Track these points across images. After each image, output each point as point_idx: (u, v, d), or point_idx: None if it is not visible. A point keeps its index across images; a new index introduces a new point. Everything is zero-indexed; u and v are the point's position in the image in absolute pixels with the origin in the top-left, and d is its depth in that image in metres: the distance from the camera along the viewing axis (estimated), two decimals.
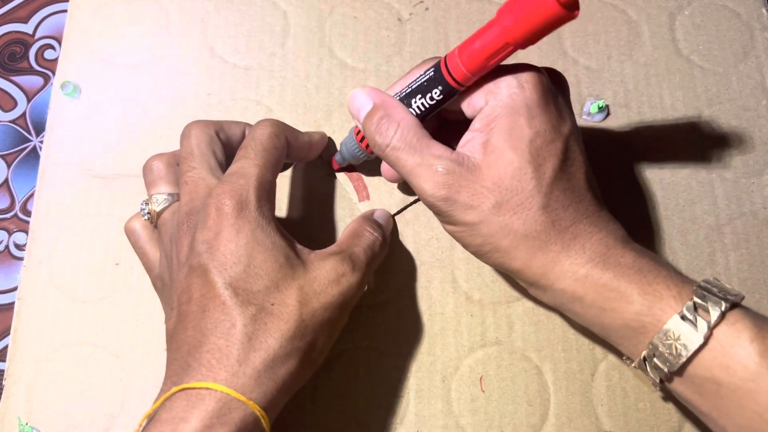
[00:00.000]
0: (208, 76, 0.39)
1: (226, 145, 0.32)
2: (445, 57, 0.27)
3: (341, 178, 0.37)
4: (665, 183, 0.38)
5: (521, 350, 0.35)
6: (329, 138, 0.37)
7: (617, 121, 0.39)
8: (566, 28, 0.40)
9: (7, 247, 0.38)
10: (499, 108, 0.27)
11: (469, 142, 0.28)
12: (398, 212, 0.37)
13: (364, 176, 0.37)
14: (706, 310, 0.24)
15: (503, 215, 0.26)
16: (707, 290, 0.25)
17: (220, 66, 0.39)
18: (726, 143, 0.39)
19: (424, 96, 0.28)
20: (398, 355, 0.34)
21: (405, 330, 0.35)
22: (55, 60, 0.41)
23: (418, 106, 0.29)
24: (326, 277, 0.28)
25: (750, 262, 0.36)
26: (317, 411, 0.33)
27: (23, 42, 0.42)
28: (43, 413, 0.33)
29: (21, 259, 0.38)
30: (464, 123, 0.29)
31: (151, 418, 0.24)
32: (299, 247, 0.29)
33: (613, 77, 0.39)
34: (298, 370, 0.26)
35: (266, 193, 0.28)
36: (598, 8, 0.41)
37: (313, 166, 0.37)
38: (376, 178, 0.37)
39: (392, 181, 0.34)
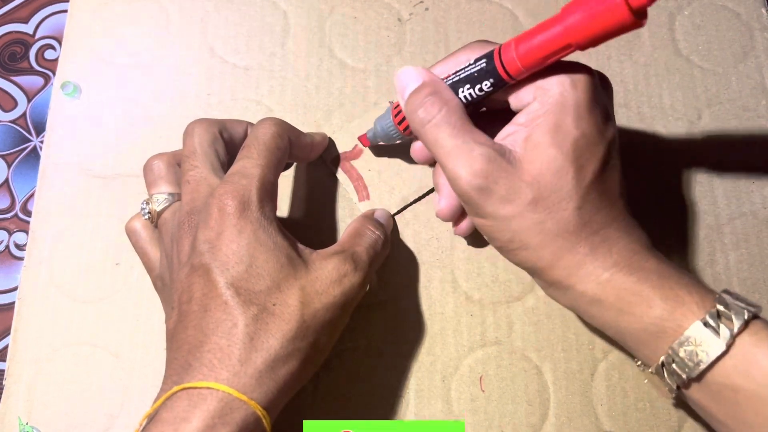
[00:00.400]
0: (208, 76, 0.39)
1: (229, 144, 0.32)
2: (500, 48, 0.27)
3: (341, 178, 0.37)
4: (665, 183, 0.38)
5: (521, 350, 0.35)
6: (329, 138, 0.37)
7: (617, 121, 0.39)
8: None
9: (7, 247, 0.38)
10: (548, 105, 0.26)
11: (510, 135, 0.27)
12: (398, 212, 0.37)
13: (364, 176, 0.37)
14: (729, 318, 0.24)
15: (538, 212, 0.26)
16: (729, 300, 0.25)
17: (220, 66, 0.39)
18: (726, 143, 0.39)
19: (473, 87, 0.28)
20: (398, 355, 0.34)
21: (405, 330, 0.35)
22: (56, 60, 0.41)
23: (465, 96, 0.28)
24: (328, 277, 0.28)
25: (750, 261, 0.36)
26: (317, 411, 0.33)
27: (23, 42, 0.42)
28: (44, 413, 0.33)
29: (21, 259, 0.38)
30: (501, 112, 0.29)
31: (152, 417, 0.24)
32: (301, 247, 0.29)
33: (613, 77, 0.39)
34: (299, 370, 0.26)
35: (268, 193, 0.28)
36: None
37: (314, 166, 0.37)
38: (376, 178, 0.37)
39: (422, 162, 0.33)
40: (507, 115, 0.28)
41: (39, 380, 0.34)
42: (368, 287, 0.35)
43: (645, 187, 0.37)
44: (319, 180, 0.37)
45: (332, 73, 0.39)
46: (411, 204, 0.37)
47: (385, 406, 0.34)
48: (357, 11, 0.41)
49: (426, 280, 0.36)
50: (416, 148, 0.32)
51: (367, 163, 0.37)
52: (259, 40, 0.40)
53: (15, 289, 0.37)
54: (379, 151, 0.37)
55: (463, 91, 0.28)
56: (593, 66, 0.26)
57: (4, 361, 0.35)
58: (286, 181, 0.37)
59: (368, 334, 0.35)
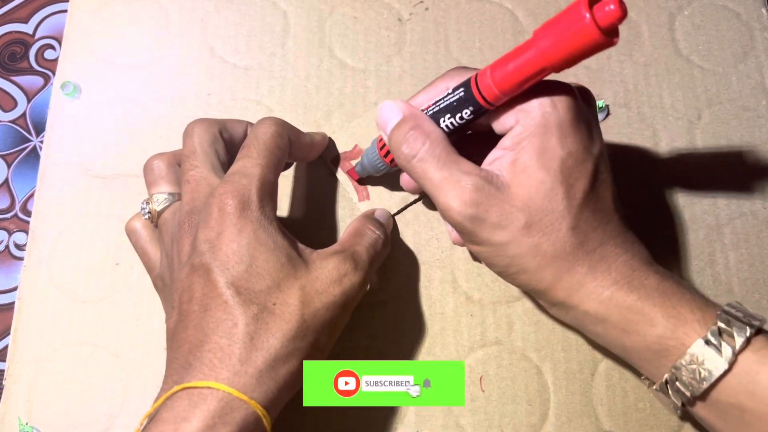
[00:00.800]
0: (208, 76, 0.39)
1: (229, 144, 0.32)
2: (476, 76, 0.27)
3: (341, 177, 0.37)
4: (665, 183, 0.38)
5: (521, 350, 0.35)
6: (329, 138, 0.37)
7: (617, 121, 0.39)
8: None
9: (7, 247, 0.38)
10: (531, 127, 0.26)
11: (497, 159, 0.27)
12: (398, 212, 0.37)
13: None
14: (731, 335, 0.24)
15: (533, 236, 0.26)
16: (731, 315, 0.25)
17: (220, 66, 0.39)
18: (726, 143, 0.39)
19: (453, 116, 0.28)
20: (398, 355, 0.34)
21: (405, 330, 0.35)
22: (55, 60, 0.41)
23: (446, 125, 0.28)
24: (328, 276, 0.28)
25: (750, 262, 0.36)
26: (317, 411, 0.33)
27: (23, 42, 0.42)
28: (44, 413, 0.33)
29: (21, 259, 0.38)
30: (488, 134, 0.28)
31: (152, 417, 0.24)
32: (301, 246, 0.29)
33: (613, 77, 0.39)
34: (299, 370, 0.26)
35: (268, 193, 0.28)
36: None
37: (314, 166, 0.37)
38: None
39: (412, 192, 0.34)
40: (495, 136, 0.28)
41: (39, 380, 0.34)
42: (368, 287, 0.35)
43: (645, 187, 0.37)
44: (319, 180, 0.37)
45: (332, 73, 0.39)
46: (411, 204, 0.37)
47: (386, 406, 0.34)
48: (357, 11, 0.41)
49: (426, 280, 0.36)
50: (405, 179, 0.33)
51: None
52: (259, 40, 0.40)
53: (15, 289, 0.37)
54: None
55: (444, 121, 0.28)
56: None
57: (4, 361, 0.35)
58: (286, 180, 0.37)
59: (368, 334, 0.35)
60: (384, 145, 0.32)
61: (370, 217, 0.34)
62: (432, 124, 0.28)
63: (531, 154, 0.26)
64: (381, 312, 0.35)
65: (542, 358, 0.34)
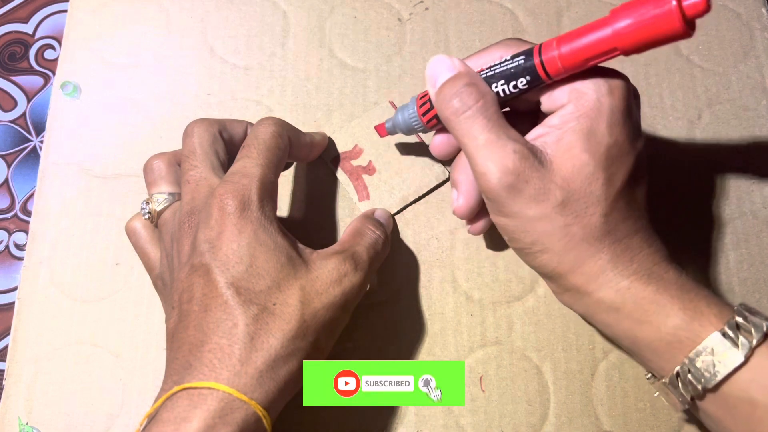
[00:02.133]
0: (208, 76, 0.39)
1: (229, 144, 0.32)
2: (540, 46, 0.26)
3: (341, 177, 0.37)
4: (664, 183, 0.38)
5: (521, 350, 0.35)
6: (329, 138, 0.37)
7: None
8: (566, 28, 0.40)
9: (7, 247, 0.38)
10: (584, 108, 0.26)
11: (541, 136, 0.27)
12: (398, 212, 0.37)
13: (364, 176, 0.37)
14: (748, 331, 0.24)
15: (566, 215, 0.26)
16: (749, 310, 0.25)
17: (220, 66, 0.39)
18: (726, 143, 0.39)
19: (507, 83, 0.27)
20: (398, 354, 0.34)
21: (405, 330, 0.35)
22: (55, 60, 0.41)
23: (498, 92, 0.27)
24: (328, 276, 0.28)
25: (750, 261, 0.36)
26: (317, 411, 0.33)
27: (23, 42, 0.42)
28: (44, 413, 0.33)
29: (21, 259, 0.38)
30: (524, 114, 0.28)
31: (152, 417, 0.24)
32: (301, 246, 0.29)
33: None
34: (299, 370, 0.26)
35: (268, 193, 0.28)
36: (598, 8, 0.41)
37: (314, 166, 0.37)
38: (376, 178, 0.37)
39: (441, 157, 0.32)
40: (531, 117, 0.28)
41: (39, 380, 0.34)
42: (368, 287, 0.35)
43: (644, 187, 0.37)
44: (319, 180, 0.37)
45: (332, 73, 0.39)
46: (411, 204, 0.37)
47: (386, 406, 0.34)
48: (357, 11, 0.41)
49: (426, 280, 0.36)
50: (436, 143, 0.32)
51: (367, 162, 0.37)
52: (259, 40, 0.40)
53: (15, 289, 0.37)
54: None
55: (496, 87, 0.27)
56: None
57: (4, 361, 0.35)
58: (286, 180, 0.37)
59: (369, 334, 0.35)
60: (424, 102, 0.31)
61: (370, 217, 0.34)
62: (486, 86, 0.27)
63: (579, 135, 0.26)
64: (381, 312, 0.35)
65: (542, 358, 0.34)
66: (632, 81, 0.40)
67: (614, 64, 0.39)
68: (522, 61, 0.27)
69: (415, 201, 0.37)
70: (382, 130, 0.34)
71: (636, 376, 0.34)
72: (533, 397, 0.34)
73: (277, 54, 0.40)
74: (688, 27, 0.22)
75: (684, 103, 0.39)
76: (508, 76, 0.27)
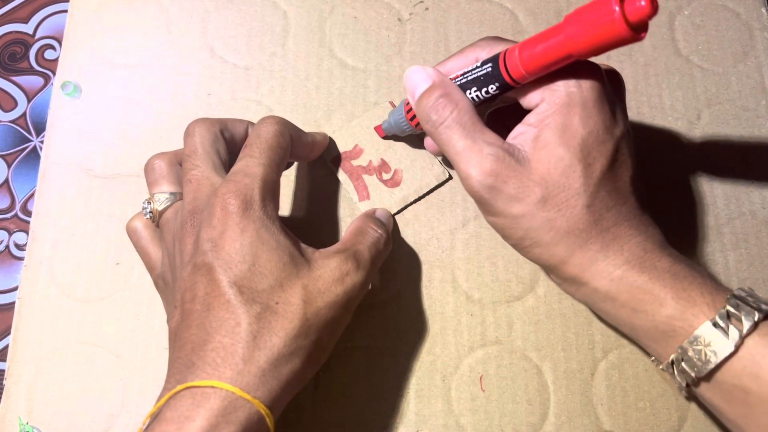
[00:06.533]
0: (208, 76, 0.39)
1: (230, 143, 0.32)
2: (504, 53, 0.27)
3: (341, 178, 0.37)
4: (665, 183, 0.38)
5: (521, 350, 0.35)
6: (330, 138, 0.37)
7: None
8: None
9: (7, 247, 0.38)
10: (555, 105, 0.27)
11: (520, 134, 0.28)
12: (398, 212, 0.37)
13: (364, 176, 0.37)
14: (739, 320, 0.24)
15: (548, 210, 0.27)
16: (741, 299, 0.25)
17: (220, 66, 0.39)
18: (726, 143, 0.39)
19: (480, 89, 0.28)
20: (398, 354, 0.34)
21: (405, 329, 0.35)
22: (55, 60, 0.42)
23: (473, 97, 0.29)
24: (330, 275, 0.28)
25: (749, 261, 0.36)
26: (317, 411, 0.33)
27: (23, 42, 0.42)
28: (44, 413, 0.33)
29: (21, 258, 0.38)
30: (517, 106, 0.29)
31: (155, 416, 0.24)
32: (303, 246, 0.29)
33: None
34: (302, 369, 0.26)
35: (271, 192, 0.28)
36: None
37: (314, 166, 0.37)
38: (376, 178, 0.37)
39: (435, 153, 0.36)
40: (517, 105, 0.29)
41: (39, 380, 0.34)
42: (370, 286, 0.35)
43: (644, 187, 0.37)
44: (320, 180, 0.37)
45: (332, 73, 0.39)
46: (411, 204, 0.37)
47: (386, 406, 0.34)
48: (357, 11, 0.41)
49: (426, 280, 0.36)
50: (429, 142, 0.35)
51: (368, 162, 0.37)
52: (259, 40, 0.40)
53: (15, 289, 0.37)
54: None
55: (470, 93, 0.29)
56: None
57: (5, 360, 0.35)
58: (286, 180, 0.37)
59: (368, 334, 0.35)
60: (410, 109, 0.33)
61: (371, 216, 0.34)
62: (460, 93, 0.29)
63: (553, 130, 0.27)
64: (381, 311, 0.35)
65: (542, 358, 0.34)
66: (632, 81, 0.40)
67: (614, 62, 0.39)
68: (489, 69, 0.28)
69: (415, 201, 0.37)
70: (380, 131, 0.37)
71: (636, 375, 0.34)
72: (533, 397, 0.34)
73: (277, 54, 0.40)
74: (635, 32, 0.23)
75: (683, 103, 0.39)
76: (479, 83, 0.28)
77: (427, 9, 0.41)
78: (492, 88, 0.28)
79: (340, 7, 0.41)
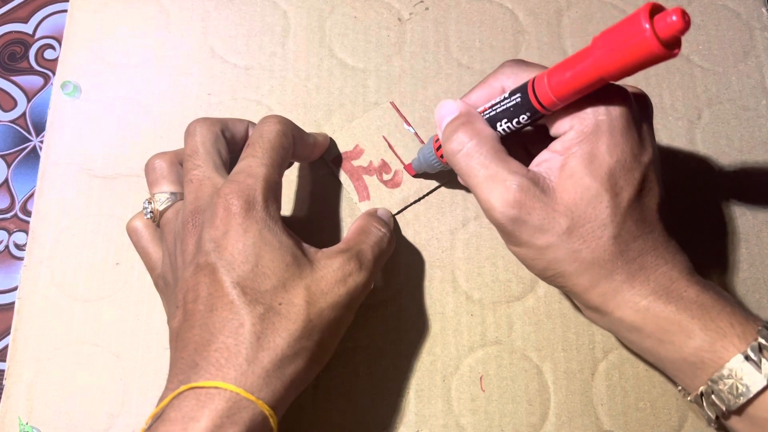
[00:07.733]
0: (208, 76, 0.39)
1: (231, 143, 0.32)
2: (533, 81, 0.26)
3: (342, 178, 0.37)
4: (665, 183, 0.38)
5: (521, 350, 0.35)
6: (330, 138, 0.37)
7: None
8: (566, 28, 0.40)
9: (7, 247, 0.38)
10: (583, 134, 0.26)
11: (545, 162, 0.27)
12: (399, 212, 0.37)
13: (365, 176, 0.37)
14: None
15: (573, 242, 0.26)
16: None
17: (220, 66, 0.39)
18: (726, 143, 0.39)
19: (510, 120, 0.28)
20: (398, 354, 0.34)
21: (405, 330, 0.35)
22: (55, 60, 0.41)
23: (503, 129, 0.28)
24: (333, 276, 0.28)
25: (749, 261, 0.36)
26: (317, 411, 0.33)
27: (23, 42, 0.42)
28: (44, 413, 0.33)
29: (21, 258, 0.38)
30: (537, 131, 0.28)
31: (158, 417, 0.24)
32: (306, 246, 0.29)
33: None
34: (305, 369, 0.26)
35: (273, 192, 0.28)
36: (598, 8, 0.41)
37: (314, 166, 0.37)
38: (376, 179, 0.37)
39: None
40: (542, 129, 0.28)
41: (39, 380, 0.34)
42: (373, 286, 0.35)
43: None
44: (320, 180, 0.37)
45: (332, 73, 0.39)
46: (411, 204, 0.37)
47: (386, 406, 0.34)
48: (357, 11, 0.41)
49: (426, 280, 0.36)
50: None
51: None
52: (259, 40, 0.40)
53: (15, 289, 0.37)
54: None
55: (501, 125, 0.28)
56: None
57: (4, 360, 0.35)
58: (287, 181, 0.37)
59: (369, 334, 0.35)
60: (437, 142, 0.32)
61: (374, 215, 0.33)
62: (483, 123, 0.28)
63: (580, 159, 0.26)
64: (381, 311, 0.35)
65: (542, 358, 0.34)
66: (632, 81, 0.40)
67: None
68: (519, 99, 0.27)
69: (416, 202, 0.37)
70: (410, 170, 0.36)
71: (636, 375, 0.34)
72: (533, 397, 0.34)
73: (277, 54, 0.40)
74: (668, 48, 0.22)
75: (684, 103, 0.39)
76: (510, 114, 0.28)
77: (427, 9, 0.41)
78: (523, 118, 0.27)
79: (340, 7, 0.41)
